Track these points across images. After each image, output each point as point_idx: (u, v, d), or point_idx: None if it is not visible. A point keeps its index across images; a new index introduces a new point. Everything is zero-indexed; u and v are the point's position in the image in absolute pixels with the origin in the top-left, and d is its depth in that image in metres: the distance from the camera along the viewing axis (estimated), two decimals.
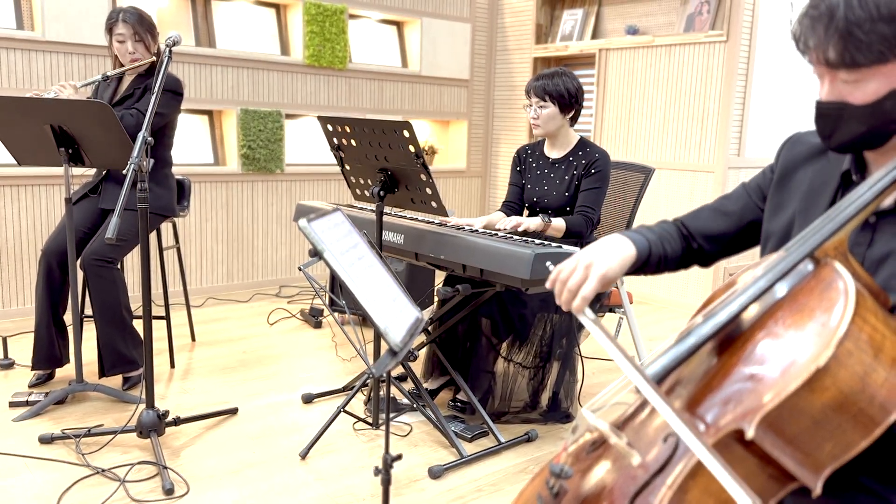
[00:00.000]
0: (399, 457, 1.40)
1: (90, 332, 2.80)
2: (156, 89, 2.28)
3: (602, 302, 2.88)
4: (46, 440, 2.36)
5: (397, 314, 1.38)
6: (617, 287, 2.92)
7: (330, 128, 2.45)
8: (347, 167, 2.52)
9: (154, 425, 2.28)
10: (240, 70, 4.31)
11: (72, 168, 2.49)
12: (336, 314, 3.83)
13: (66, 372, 2.93)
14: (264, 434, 2.50)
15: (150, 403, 2.29)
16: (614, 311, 2.95)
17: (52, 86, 3.69)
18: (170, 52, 2.38)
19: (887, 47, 1.00)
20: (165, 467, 2.17)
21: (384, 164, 2.35)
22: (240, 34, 4.47)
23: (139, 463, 2.24)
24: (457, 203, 5.56)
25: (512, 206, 2.89)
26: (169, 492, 2.08)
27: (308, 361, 3.27)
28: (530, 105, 2.68)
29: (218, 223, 4.36)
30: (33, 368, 2.82)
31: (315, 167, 4.75)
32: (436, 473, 2.24)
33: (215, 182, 4.31)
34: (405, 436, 2.53)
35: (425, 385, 2.80)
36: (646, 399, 1.07)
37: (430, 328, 2.73)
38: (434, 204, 2.30)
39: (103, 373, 2.73)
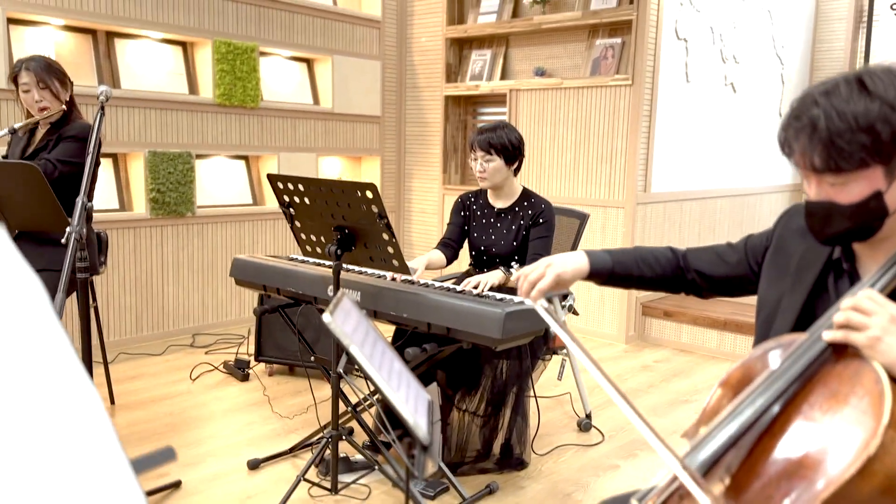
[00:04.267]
0: None
1: None
2: (90, 148, 2.15)
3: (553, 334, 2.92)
4: None
5: (413, 401, 1.36)
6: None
7: (280, 185, 2.37)
8: (298, 224, 2.46)
9: None
10: (147, 111, 4.09)
11: None
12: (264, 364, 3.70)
13: None
14: None
15: None
16: (557, 353, 3.03)
17: None
18: (102, 107, 2.27)
19: (867, 154, 1.08)
20: None
21: (341, 223, 2.31)
22: (146, 73, 4.25)
23: None
24: None
25: (449, 245, 2.92)
26: None
27: (243, 420, 3.13)
28: (476, 159, 2.73)
29: (125, 271, 4.10)
30: None
31: (227, 208, 4.58)
32: None
33: (121, 228, 4.06)
34: (365, 499, 2.47)
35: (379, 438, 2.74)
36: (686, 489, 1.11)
37: None
38: (395, 262, 2.28)
39: None
